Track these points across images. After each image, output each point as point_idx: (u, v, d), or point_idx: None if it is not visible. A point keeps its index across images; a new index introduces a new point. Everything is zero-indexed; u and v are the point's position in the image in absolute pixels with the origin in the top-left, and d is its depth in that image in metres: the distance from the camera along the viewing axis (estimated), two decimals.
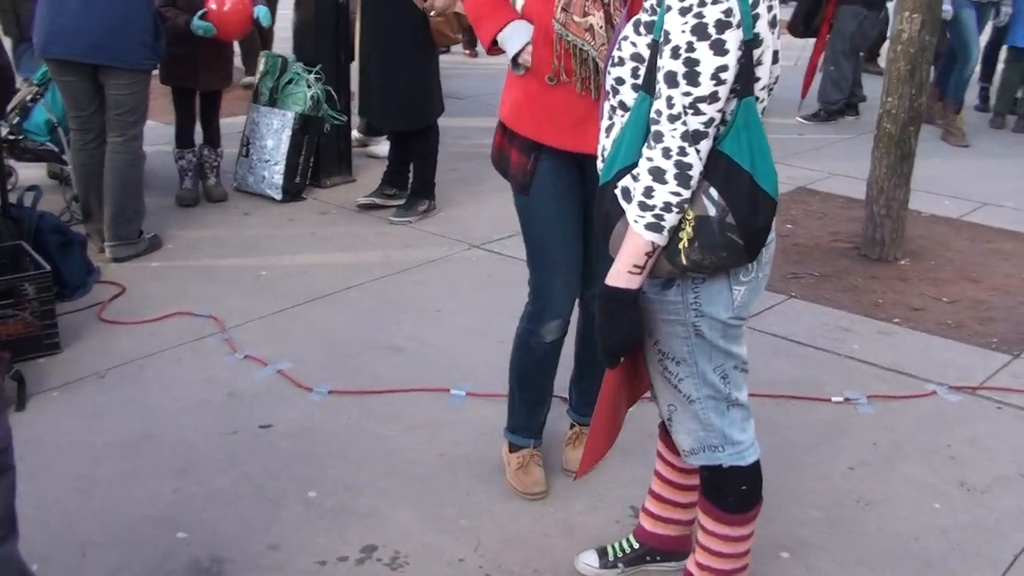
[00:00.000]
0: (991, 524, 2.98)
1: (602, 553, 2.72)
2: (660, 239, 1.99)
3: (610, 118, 2.13)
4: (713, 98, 1.90)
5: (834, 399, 3.62)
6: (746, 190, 1.97)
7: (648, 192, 1.96)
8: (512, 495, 3.03)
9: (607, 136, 2.14)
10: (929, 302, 4.57)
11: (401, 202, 5.38)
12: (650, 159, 1.95)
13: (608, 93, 2.12)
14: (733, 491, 2.32)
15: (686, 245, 2.01)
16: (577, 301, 2.98)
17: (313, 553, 2.76)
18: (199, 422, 3.37)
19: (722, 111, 1.93)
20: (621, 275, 2.03)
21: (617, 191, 2.04)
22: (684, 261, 2.02)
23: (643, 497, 2.90)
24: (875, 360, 3.96)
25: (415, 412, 3.48)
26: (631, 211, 1.99)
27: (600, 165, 2.18)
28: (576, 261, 2.83)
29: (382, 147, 6.38)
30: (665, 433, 2.59)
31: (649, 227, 1.97)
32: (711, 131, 1.94)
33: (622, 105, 2.08)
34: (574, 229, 2.80)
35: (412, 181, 5.38)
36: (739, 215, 1.98)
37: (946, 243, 5.38)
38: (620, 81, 2.06)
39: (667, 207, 1.95)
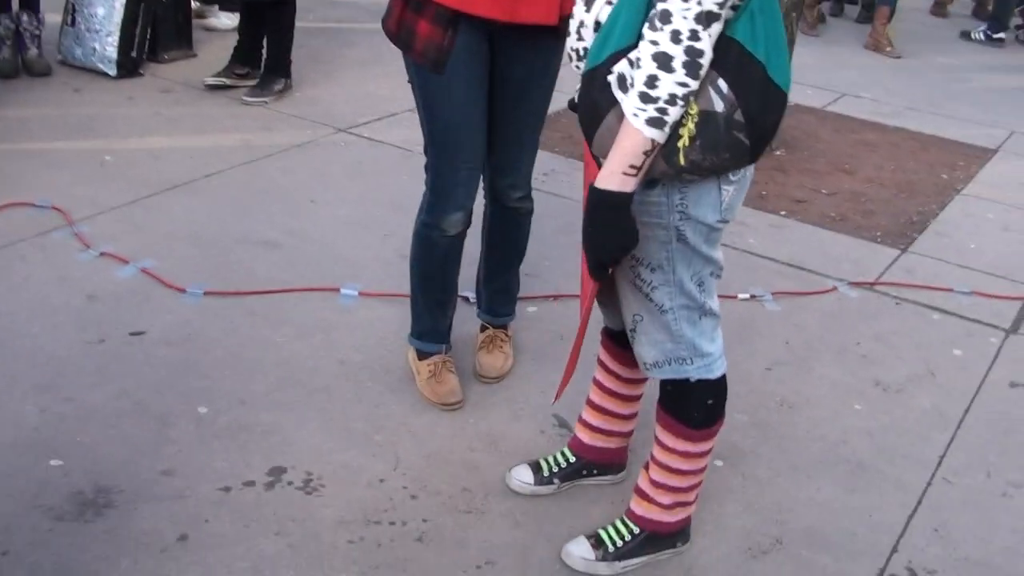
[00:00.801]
0: (911, 425, 2.95)
1: (536, 468, 2.53)
2: (661, 136, 1.75)
3: None
4: None
5: (740, 296, 3.52)
6: (759, 83, 1.75)
7: (652, 81, 1.70)
8: (426, 405, 2.79)
9: (587, 9, 1.86)
10: (810, 194, 4.53)
11: (253, 82, 4.91)
12: (655, 43, 1.69)
13: None
14: (699, 405, 2.16)
15: (687, 143, 1.78)
16: (483, 191, 2.73)
17: (214, 478, 2.46)
18: (57, 330, 2.96)
19: None
20: (615, 176, 1.78)
21: (611, 78, 1.77)
22: (682, 162, 1.79)
23: (563, 405, 2.73)
24: (773, 255, 3.88)
25: (304, 314, 3.17)
26: (629, 103, 1.73)
27: (576, 43, 1.90)
28: (483, 147, 2.57)
29: (221, 19, 5.85)
30: (609, 340, 2.40)
31: (651, 122, 1.72)
32: (724, 13, 1.69)
33: None
34: (483, 112, 2.52)
35: (266, 58, 4.90)
36: (749, 111, 1.76)
37: (815, 134, 5.35)
38: None
39: (672, 99, 1.71)
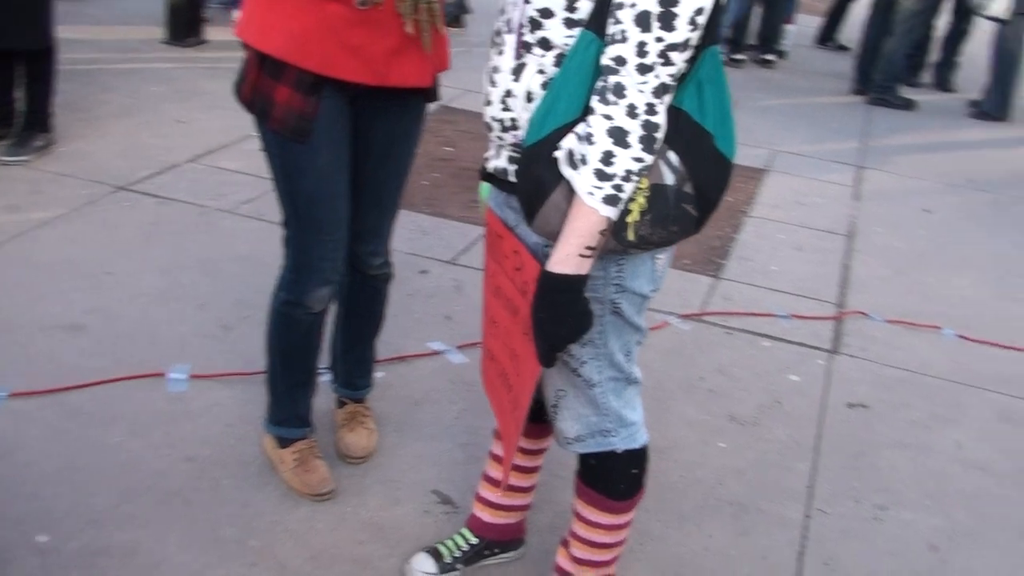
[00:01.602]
0: (774, 458, 3.00)
1: (436, 555, 2.37)
2: (615, 213, 1.65)
3: (519, 57, 1.73)
4: (685, 46, 1.59)
5: None
6: (709, 154, 1.69)
7: (607, 158, 1.60)
8: (296, 498, 2.57)
9: (515, 79, 1.74)
10: None
11: (8, 141, 4.43)
12: (609, 117, 1.59)
13: (522, 26, 1.71)
14: (624, 477, 2.08)
15: (636, 219, 1.69)
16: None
17: None
18: None
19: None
20: (571, 259, 1.66)
21: (559, 154, 1.66)
22: (631, 237, 1.71)
23: (440, 479, 2.60)
24: None
25: (134, 407, 2.86)
26: (583, 181, 1.62)
27: (501, 113, 1.78)
28: (347, 215, 2.39)
29: None
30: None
31: (607, 200, 1.63)
32: (674, 85, 1.62)
33: (544, 43, 1.69)
34: (347, 178, 2.35)
35: (25, 111, 4.43)
36: (698, 183, 1.70)
37: None
38: (547, 13, 1.66)
39: (628, 176, 1.62)
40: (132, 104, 5.26)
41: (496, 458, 2.34)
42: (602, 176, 1.61)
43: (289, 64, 2.16)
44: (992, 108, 7.27)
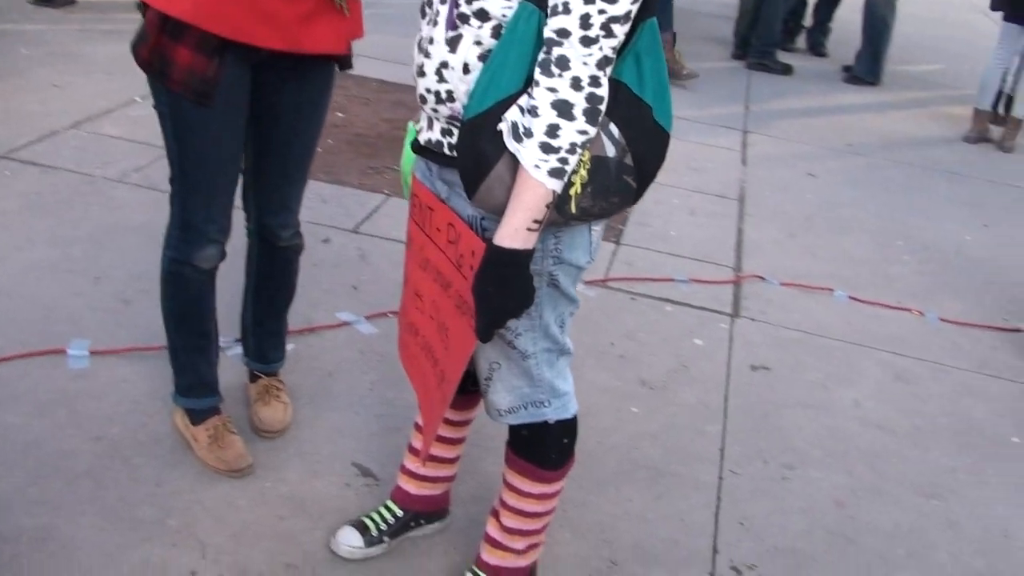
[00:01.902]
0: (685, 421, 3.07)
1: (362, 528, 2.35)
2: (560, 186, 1.65)
3: (454, 28, 1.71)
4: (627, 18, 1.59)
5: None
6: (648, 126, 1.70)
7: (552, 131, 1.60)
8: (213, 475, 2.51)
9: (451, 50, 1.71)
10: None
11: None
12: (553, 90, 1.58)
13: None
14: (556, 446, 2.09)
15: (579, 191, 1.69)
16: (247, 230, 2.53)
17: None
18: None
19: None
20: (519, 233, 1.65)
21: (503, 127, 1.64)
22: (573, 210, 1.71)
23: (358, 451, 2.58)
24: None
25: (35, 386, 2.74)
26: (529, 154, 1.61)
27: (436, 85, 1.75)
28: (236, 180, 2.34)
29: None
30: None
31: (553, 173, 1.62)
32: (614, 57, 1.62)
33: (481, 14, 1.66)
34: (239, 144, 2.30)
35: None
36: (638, 155, 1.71)
37: None
38: None
39: (572, 148, 1.62)
40: (3, 67, 5.00)
41: (419, 427, 2.32)
42: (548, 149, 1.60)
43: (193, 26, 2.08)
44: (864, 72, 7.50)
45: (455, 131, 1.77)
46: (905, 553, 2.67)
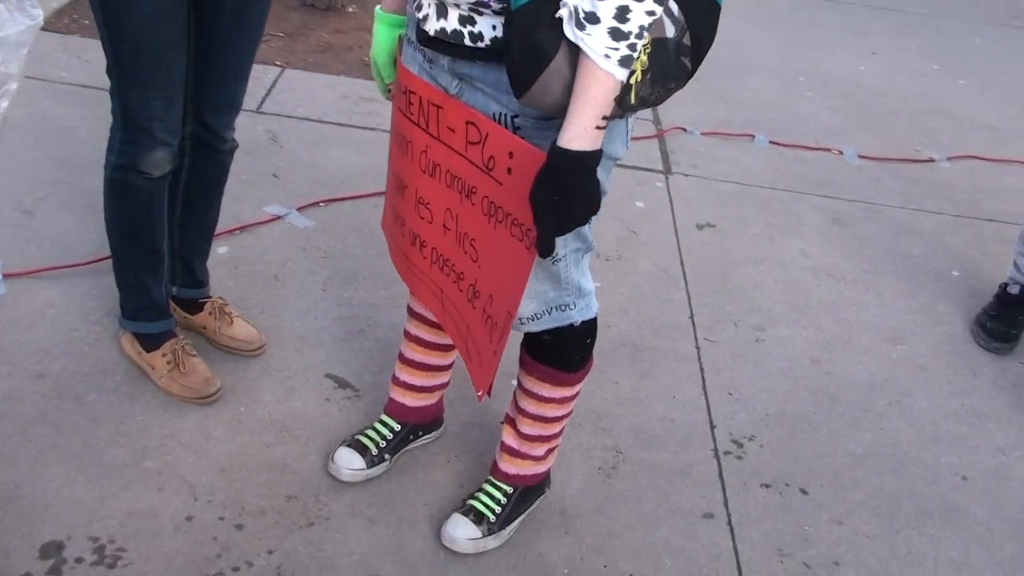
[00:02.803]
0: (649, 291, 2.98)
1: (361, 448, 2.20)
2: (627, 75, 1.47)
3: None
4: None
5: None
6: (703, 1, 1.52)
7: (622, 15, 1.40)
8: (180, 405, 2.29)
9: None
10: None
11: None
12: None
13: None
14: (579, 348, 1.97)
15: (639, 79, 1.51)
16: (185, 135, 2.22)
17: None
18: None
19: None
20: (588, 133, 1.46)
21: (563, 13, 1.44)
22: (632, 100, 1.53)
23: (328, 360, 2.41)
24: None
25: None
26: (598, 43, 1.42)
27: None
28: (183, 74, 2.06)
29: None
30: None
31: (623, 61, 1.44)
32: None
33: None
34: (182, 31, 2.01)
35: None
36: (696, 33, 1.54)
37: None
38: None
39: (640, 32, 1.43)
40: None
41: (416, 339, 2.15)
42: (617, 35, 1.41)
43: None
44: None
45: (479, 18, 1.56)
46: (887, 403, 2.69)
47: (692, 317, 2.87)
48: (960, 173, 4.05)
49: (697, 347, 2.76)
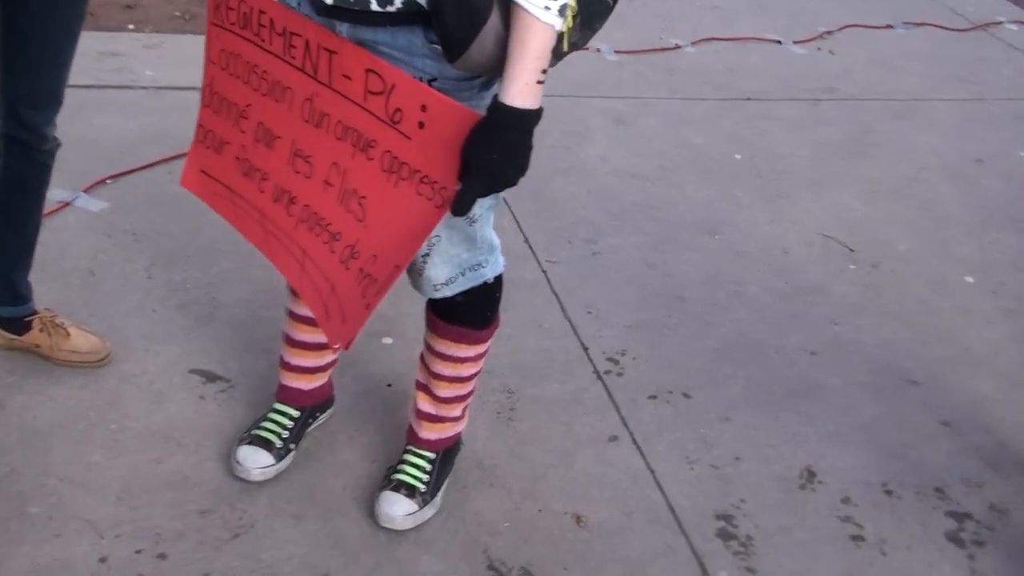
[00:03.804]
0: None
1: (264, 444, 2.07)
2: (562, 24, 1.43)
3: None
4: None
5: None
6: None
7: None
8: (45, 435, 2.07)
9: None
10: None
11: None
12: None
13: None
14: (491, 303, 1.94)
15: (570, 25, 1.47)
16: None
17: None
18: None
19: None
20: (530, 89, 1.41)
21: None
22: (565, 48, 1.50)
23: (186, 354, 2.26)
24: None
25: None
26: None
27: None
28: None
29: None
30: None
31: (561, 11, 1.40)
32: None
33: None
34: None
35: None
36: None
37: None
38: None
39: None
40: None
41: (301, 318, 2.03)
42: None
43: None
44: None
45: None
46: (725, 295, 2.83)
47: (527, 241, 2.88)
48: (708, 57, 4.25)
49: (543, 271, 2.78)
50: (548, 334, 2.55)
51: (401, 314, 2.48)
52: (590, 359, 2.50)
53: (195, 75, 3.07)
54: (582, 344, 2.54)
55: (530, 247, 2.85)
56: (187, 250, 2.61)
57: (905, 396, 2.56)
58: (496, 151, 1.44)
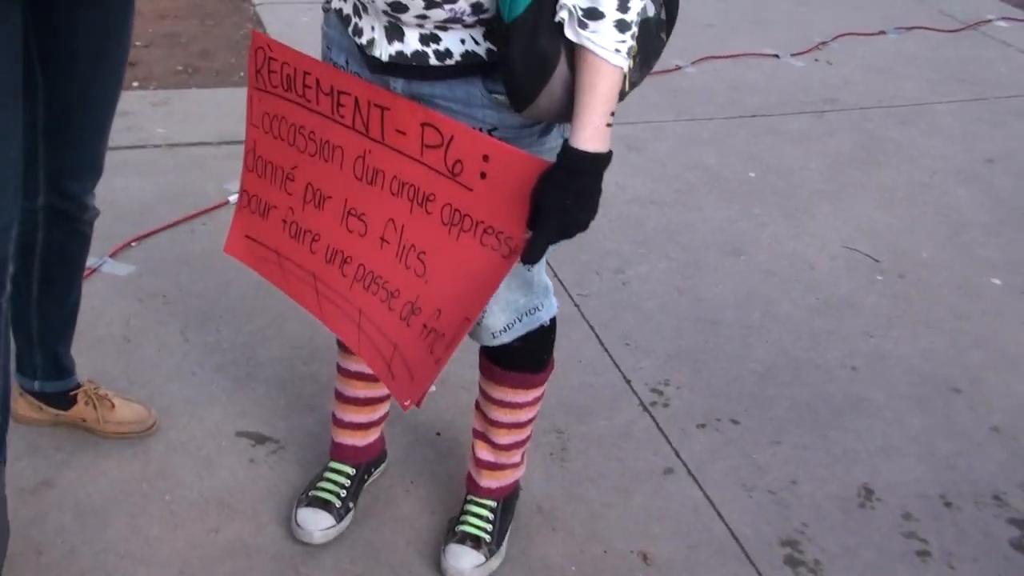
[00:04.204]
0: None
1: (324, 505, 2.04)
2: (627, 65, 1.42)
3: None
4: None
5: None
6: None
7: (624, 3, 1.35)
8: (98, 513, 2.03)
9: None
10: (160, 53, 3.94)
11: None
12: None
13: None
14: (546, 346, 1.92)
15: (631, 65, 1.47)
16: (30, 208, 1.88)
17: None
18: None
19: None
20: (600, 133, 1.39)
21: (563, 16, 1.36)
22: (627, 88, 1.49)
23: (229, 416, 2.24)
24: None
25: None
26: (607, 39, 1.35)
27: None
28: (19, 138, 1.79)
29: None
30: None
31: (629, 52, 1.39)
32: None
33: None
34: (12, 93, 1.74)
35: None
36: (670, 5, 1.52)
37: None
38: None
39: (637, 20, 1.40)
40: None
41: (357, 375, 2.01)
42: (623, 27, 1.36)
43: None
44: None
45: (444, 34, 1.45)
46: (759, 315, 2.82)
47: (556, 276, 2.86)
48: (709, 76, 4.26)
49: (576, 305, 2.76)
50: (590, 369, 2.53)
51: None
52: (634, 391, 2.48)
53: (205, 130, 3.07)
54: (624, 377, 2.52)
55: (560, 282, 2.84)
56: (218, 310, 2.59)
57: (950, 404, 2.55)
58: (570, 197, 1.41)
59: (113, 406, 2.17)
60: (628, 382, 2.51)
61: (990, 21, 5.15)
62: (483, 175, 1.47)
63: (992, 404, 2.57)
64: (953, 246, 3.22)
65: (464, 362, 2.46)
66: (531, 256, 1.44)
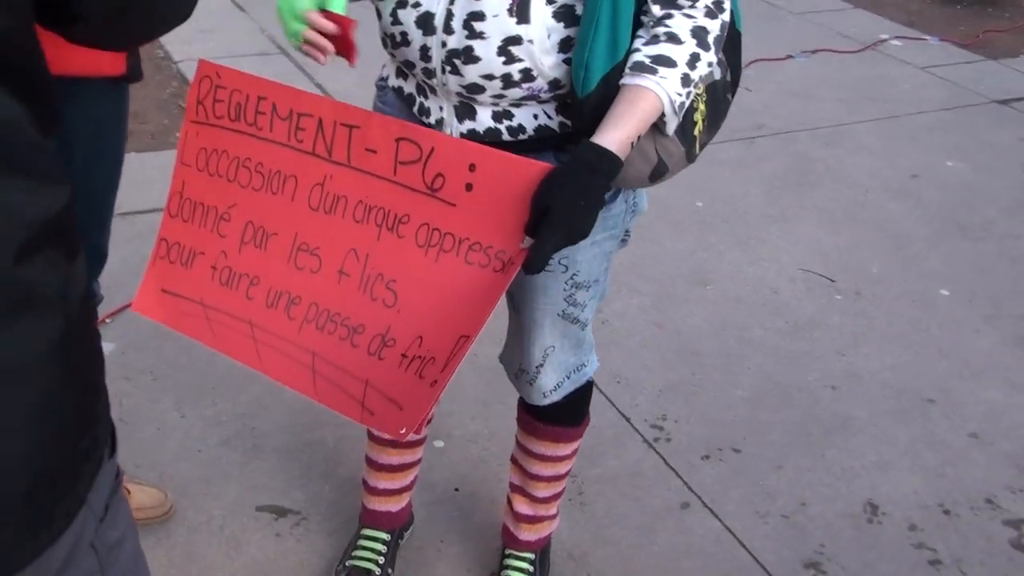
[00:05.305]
0: None
1: (366, 574, 2.04)
2: (669, 121, 1.45)
3: None
4: None
5: None
6: (732, 33, 1.56)
7: (693, 61, 1.41)
8: None
9: (518, 21, 1.40)
10: None
11: None
12: (691, 16, 1.41)
13: None
14: (587, 398, 1.96)
15: (701, 129, 1.52)
16: None
17: None
18: None
19: None
20: (624, 145, 1.37)
21: (633, 60, 1.41)
22: (697, 150, 1.54)
23: (250, 492, 2.22)
24: None
25: None
26: (672, 85, 1.38)
27: (504, 67, 1.43)
28: None
29: None
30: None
31: (679, 108, 1.43)
32: None
33: None
34: None
35: None
36: (734, 68, 1.58)
37: None
38: None
39: (700, 81, 1.46)
40: None
41: (386, 441, 2.02)
42: (687, 81, 1.42)
43: None
44: None
45: (517, 110, 1.49)
46: (735, 342, 2.90)
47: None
48: None
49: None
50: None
51: (442, 413, 2.47)
52: (636, 429, 2.53)
53: (157, 195, 3.02)
54: (623, 415, 2.58)
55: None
56: (210, 382, 2.55)
57: (928, 416, 2.67)
58: (583, 196, 1.33)
59: (129, 493, 2.12)
60: (627, 420, 2.56)
61: (885, 40, 5.41)
62: (469, 187, 1.37)
63: (965, 412, 2.70)
64: (899, 260, 3.37)
65: (465, 415, 2.49)
66: (535, 265, 1.32)
